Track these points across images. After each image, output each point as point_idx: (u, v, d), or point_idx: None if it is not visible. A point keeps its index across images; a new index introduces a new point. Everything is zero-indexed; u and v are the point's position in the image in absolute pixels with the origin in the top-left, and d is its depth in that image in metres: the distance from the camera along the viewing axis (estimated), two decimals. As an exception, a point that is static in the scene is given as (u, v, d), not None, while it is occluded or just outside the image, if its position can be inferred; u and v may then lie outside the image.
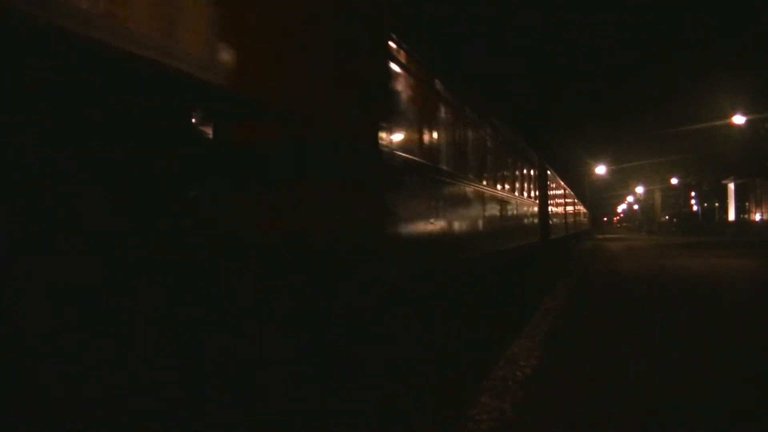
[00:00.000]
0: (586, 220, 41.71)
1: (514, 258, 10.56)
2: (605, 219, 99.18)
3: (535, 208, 14.21)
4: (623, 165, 46.97)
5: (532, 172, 14.21)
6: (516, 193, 11.32)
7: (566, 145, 39.78)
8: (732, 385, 3.37)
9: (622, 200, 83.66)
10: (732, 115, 29.07)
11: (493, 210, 8.79)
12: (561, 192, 22.79)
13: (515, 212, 11.01)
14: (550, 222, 16.84)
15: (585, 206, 42.90)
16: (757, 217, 38.54)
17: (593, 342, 4.67)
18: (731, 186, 43.38)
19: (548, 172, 17.31)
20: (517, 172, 11.73)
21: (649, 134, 38.56)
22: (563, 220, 22.71)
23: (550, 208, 16.94)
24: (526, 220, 12.48)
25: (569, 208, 27.47)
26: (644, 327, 5.30)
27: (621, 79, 50.31)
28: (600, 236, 41.97)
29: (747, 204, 41.40)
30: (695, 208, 56.18)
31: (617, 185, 60.20)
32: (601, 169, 46.84)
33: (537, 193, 15.00)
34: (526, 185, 12.91)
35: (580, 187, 42.82)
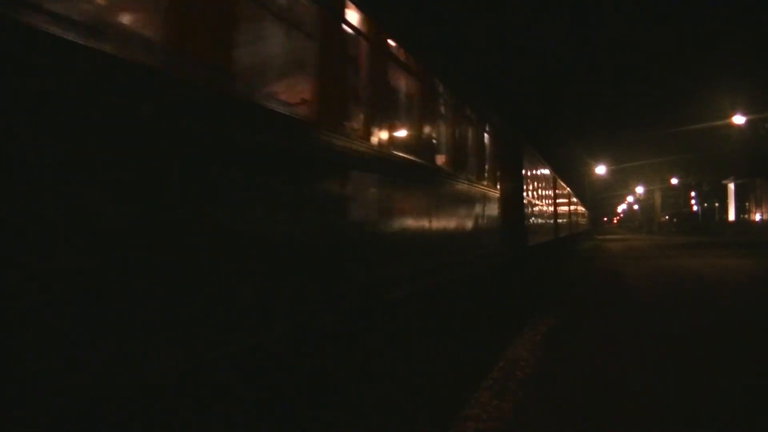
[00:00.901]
0: (585, 220, 41.57)
1: (438, 288, 5.88)
2: (605, 219, 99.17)
3: (497, 196, 9.04)
4: (623, 165, 47.02)
5: (491, 147, 9.01)
6: (451, 173, 6.65)
7: (566, 145, 39.81)
8: (732, 385, 3.37)
9: (622, 200, 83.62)
10: (732, 115, 29.08)
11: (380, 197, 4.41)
12: (549, 183, 17.60)
13: (449, 204, 6.37)
14: (529, 222, 11.92)
15: (585, 206, 42.84)
16: (757, 217, 38.53)
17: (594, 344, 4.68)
18: (731, 186, 43.38)
19: (527, 155, 12.27)
20: (460, 141, 7.17)
21: (649, 134, 38.60)
22: (552, 221, 17.56)
23: (531, 204, 12.36)
24: (474, 219, 7.49)
25: (563, 208, 22.62)
26: (645, 329, 5.31)
27: (621, 79, 50.32)
28: (599, 237, 41.93)
29: (747, 204, 41.39)
30: (695, 208, 56.16)
31: (617, 185, 60.21)
32: (601, 169, 46.86)
33: (507, 180, 10.03)
34: (477, 164, 8.01)
35: (580, 186, 42.86)
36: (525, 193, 11.58)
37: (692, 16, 42.14)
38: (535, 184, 14.06)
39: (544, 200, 15.77)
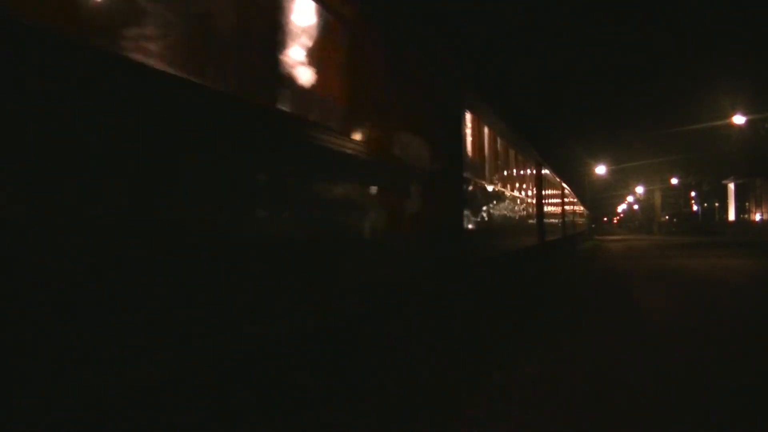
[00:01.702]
0: (584, 220, 41.49)
1: None
2: (605, 219, 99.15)
3: (361, 156, 3.94)
4: (623, 165, 47.06)
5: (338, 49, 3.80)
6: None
7: (566, 145, 39.89)
8: (732, 384, 3.37)
9: (622, 200, 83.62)
10: (732, 115, 29.11)
11: None
12: (529, 171, 12.96)
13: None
14: (477, 221, 7.20)
15: (585, 206, 42.80)
16: (757, 217, 38.52)
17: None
18: (731, 186, 43.38)
19: (479, 112, 7.71)
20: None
21: (649, 134, 38.67)
22: (534, 221, 13.02)
23: (484, 194, 7.73)
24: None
25: (554, 208, 18.02)
26: (646, 329, 5.31)
27: (621, 79, 50.42)
28: (599, 237, 41.92)
29: (747, 204, 41.38)
30: (695, 208, 56.17)
31: (617, 185, 60.24)
32: (601, 169, 46.89)
33: (416, 137, 5.22)
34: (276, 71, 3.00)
35: (580, 186, 42.88)
36: (473, 175, 7.11)
37: (692, 16, 42.20)
38: (499, 165, 9.19)
39: (519, 191, 11.18)
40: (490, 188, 8.21)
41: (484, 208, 7.72)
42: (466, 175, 6.62)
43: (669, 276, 10.28)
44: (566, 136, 40.18)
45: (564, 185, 23.30)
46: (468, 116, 7.08)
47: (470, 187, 6.89)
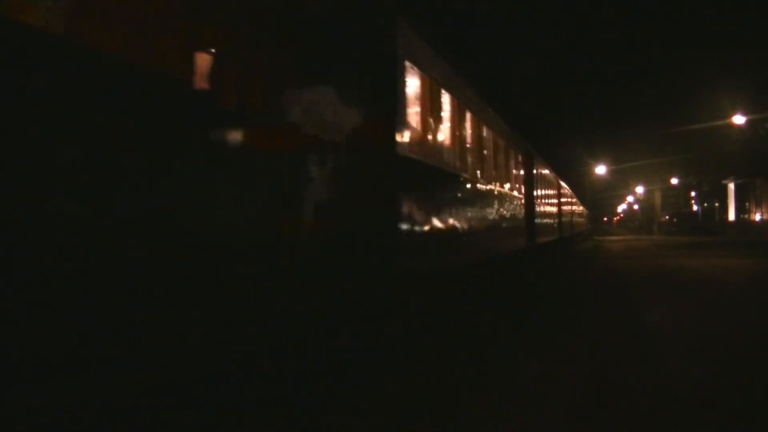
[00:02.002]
0: (584, 220, 41.38)
1: None
2: (605, 219, 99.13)
3: None
4: (623, 165, 47.07)
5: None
6: None
7: (566, 145, 39.94)
8: (731, 385, 3.37)
9: (622, 200, 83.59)
10: (732, 115, 29.10)
11: None
12: (508, 155, 10.16)
13: None
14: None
15: (585, 206, 42.79)
16: (757, 217, 38.49)
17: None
18: (731, 186, 43.36)
19: (422, 55, 5.30)
20: None
21: (649, 134, 38.71)
22: (522, 223, 11.40)
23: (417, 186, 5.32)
24: None
25: (548, 208, 16.00)
26: (646, 329, 5.30)
27: (621, 79, 50.46)
28: (599, 237, 41.88)
29: (747, 204, 41.34)
30: (695, 208, 56.15)
31: (617, 185, 60.23)
32: (601, 169, 46.88)
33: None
34: None
35: (580, 186, 42.90)
36: (421, 156, 5.31)
37: (692, 16, 42.22)
38: (467, 148, 7.16)
39: (501, 184, 9.29)
40: (449, 176, 6.30)
41: (442, 202, 5.89)
42: (405, 154, 4.76)
43: (669, 276, 10.27)
44: (566, 136, 40.22)
45: (562, 183, 21.78)
46: (413, 72, 5.09)
47: (413, 173, 5.03)
